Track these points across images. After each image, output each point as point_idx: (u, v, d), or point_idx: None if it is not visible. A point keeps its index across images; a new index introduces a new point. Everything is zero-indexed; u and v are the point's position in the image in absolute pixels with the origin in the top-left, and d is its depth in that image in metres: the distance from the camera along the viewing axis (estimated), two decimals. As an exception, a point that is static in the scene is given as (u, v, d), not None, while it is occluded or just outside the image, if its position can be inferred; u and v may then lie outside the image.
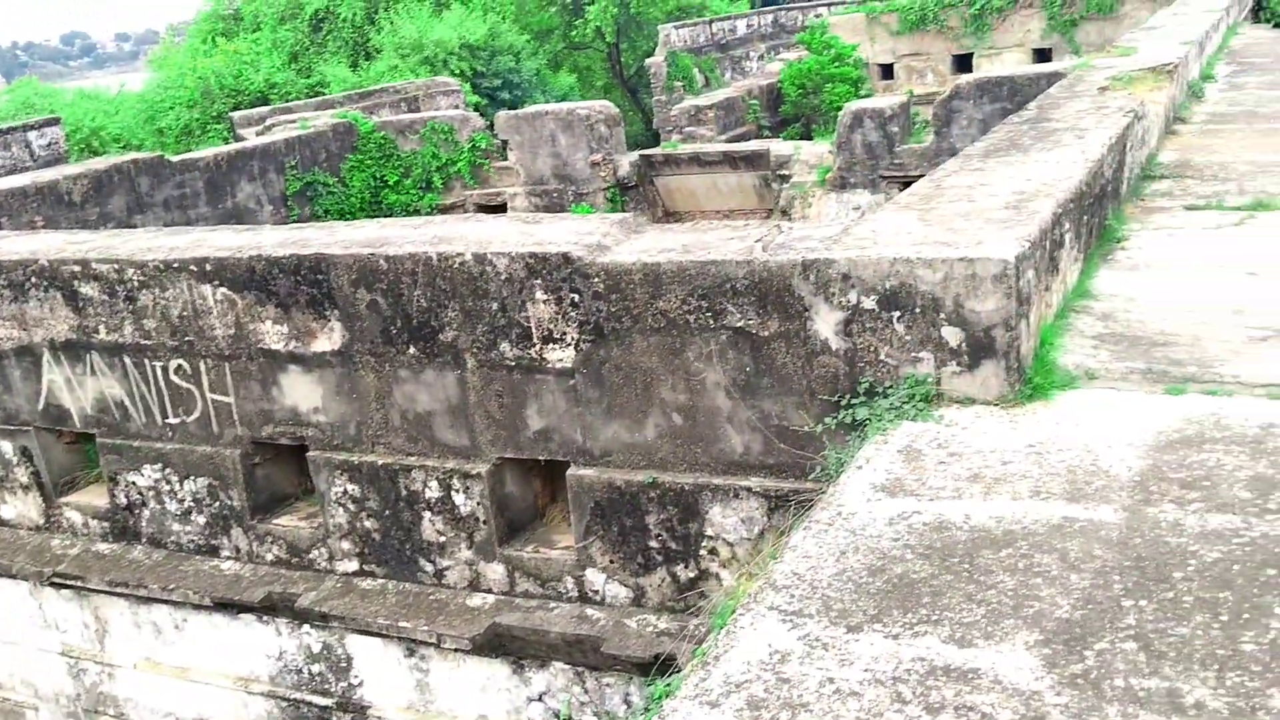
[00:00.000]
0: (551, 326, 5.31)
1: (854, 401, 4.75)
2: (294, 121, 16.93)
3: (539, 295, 5.28)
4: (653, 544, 5.40)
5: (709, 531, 5.25)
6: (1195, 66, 11.47)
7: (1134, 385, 4.51)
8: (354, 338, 5.83)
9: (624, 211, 14.86)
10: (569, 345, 5.30)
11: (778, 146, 14.93)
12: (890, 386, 4.67)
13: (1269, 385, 4.33)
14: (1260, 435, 3.93)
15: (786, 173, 14.52)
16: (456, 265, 5.44)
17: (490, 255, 5.36)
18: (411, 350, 5.71)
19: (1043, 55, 24.66)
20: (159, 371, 6.61)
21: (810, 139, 20.19)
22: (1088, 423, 4.23)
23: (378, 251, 5.67)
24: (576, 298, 5.20)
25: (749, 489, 5.11)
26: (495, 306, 5.40)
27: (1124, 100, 7.97)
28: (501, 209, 16.70)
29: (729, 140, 20.56)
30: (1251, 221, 6.48)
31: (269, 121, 17.54)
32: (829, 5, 33.99)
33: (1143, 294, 5.44)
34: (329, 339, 5.92)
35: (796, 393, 4.92)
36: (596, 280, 5.13)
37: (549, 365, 5.38)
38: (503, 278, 5.34)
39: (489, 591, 5.89)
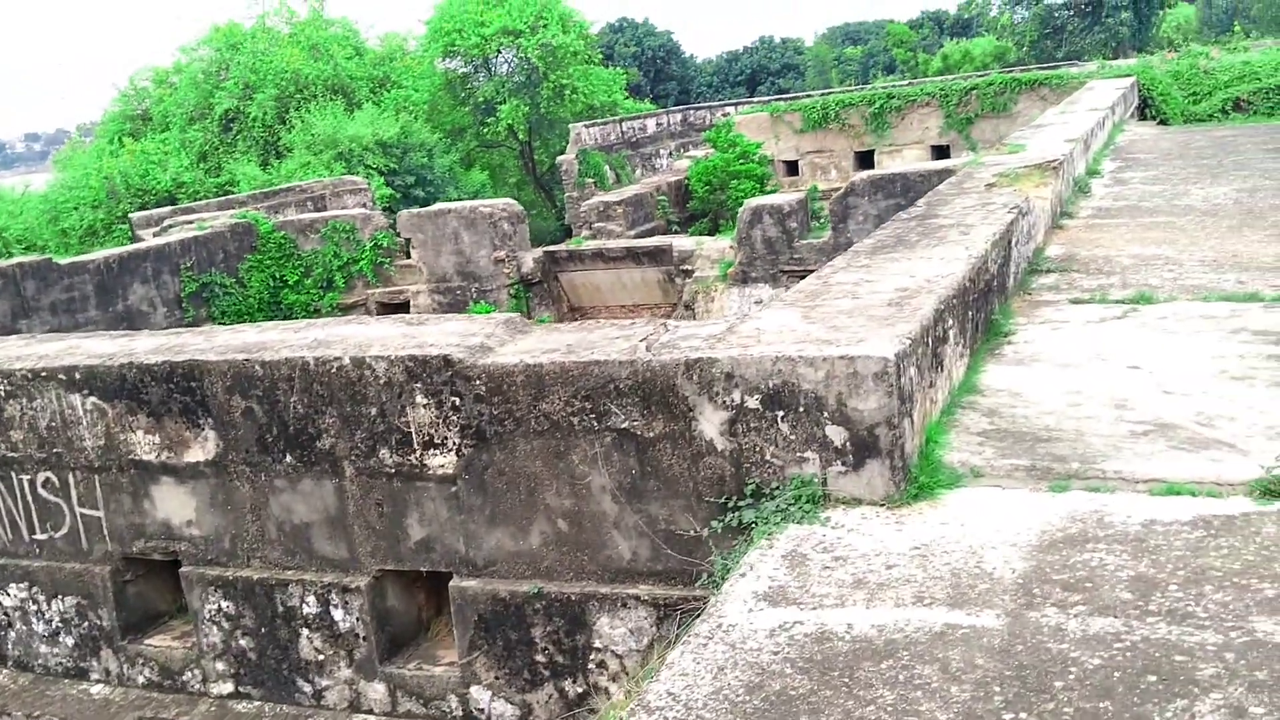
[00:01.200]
0: (432, 431, 5.14)
1: (741, 504, 4.64)
2: (192, 222, 16.66)
3: (419, 399, 5.12)
4: (539, 658, 5.18)
5: (597, 643, 5.05)
6: (1081, 163, 11.83)
7: (1019, 483, 4.47)
8: (229, 447, 5.59)
9: (528, 308, 14.79)
10: (450, 450, 5.13)
11: (680, 242, 15.04)
12: (777, 487, 4.58)
13: (1150, 480, 4.32)
14: (1142, 533, 3.89)
15: (690, 267, 14.61)
16: (334, 370, 5.26)
17: (369, 359, 5.19)
18: (288, 459, 5.49)
19: (941, 151, 25.42)
20: (25, 485, 6.28)
21: (718, 233, 20.42)
22: (973, 523, 4.16)
23: (253, 357, 5.47)
24: (458, 401, 5.05)
25: (637, 597, 4.95)
26: (374, 412, 5.22)
27: (1009, 196, 8.14)
28: (404, 307, 16.53)
29: (638, 235, 20.71)
30: (1134, 314, 6.58)
31: (167, 222, 17.24)
32: (735, 105, 34.84)
33: (1028, 389, 5.45)
34: (203, 449, 5.67)
35: (684, 495, 4.80)
36: (478, 383, 4.99)
37: (430, 472, 5.20)
38: (381, 382, 5.17)
39: (370, 712, 5.59)
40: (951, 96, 25.09)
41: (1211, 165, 12.21)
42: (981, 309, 6.20)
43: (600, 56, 36.85)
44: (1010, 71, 29.07)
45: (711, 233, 21.88)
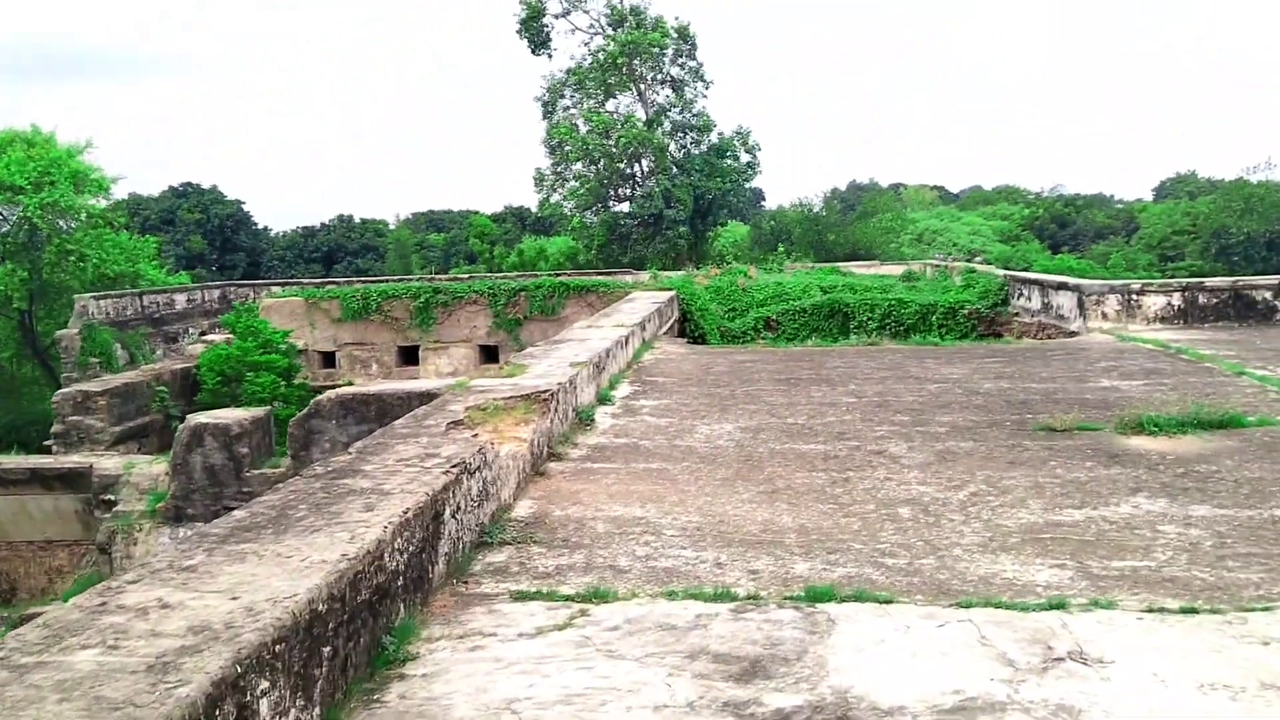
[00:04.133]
0: None
1: None
2: None
3: None
4: None
5: None
6: (591, 389, 10.73)
7: None
8: None
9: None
10: None
11: (104, 463, 12.26)
12: None
13: None
14: None
15: (113, 498, 11.87)
16: None
17: None
18: None
19: (490, 351, 24.44)
20: None
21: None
22: None
23: None
24: None
25: None
26: None
27: (464, 445, 6.57)
28: None
29: (124, 433, 17.58)
30: (582, 621, 5.05)
31: None
32: (283, 284, 32.48)
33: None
34: None
35: None
36: None
37: None
38: None
39: None
40: (500, 296, 24.29)
41: (724, 396, 11.56)
42: (362, 631, 4.38)
43: (124, 220, 33.20)
44: (560, 275, 28.97)
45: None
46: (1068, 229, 78.12)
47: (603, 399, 11.11)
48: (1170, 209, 64.59)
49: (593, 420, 9.99)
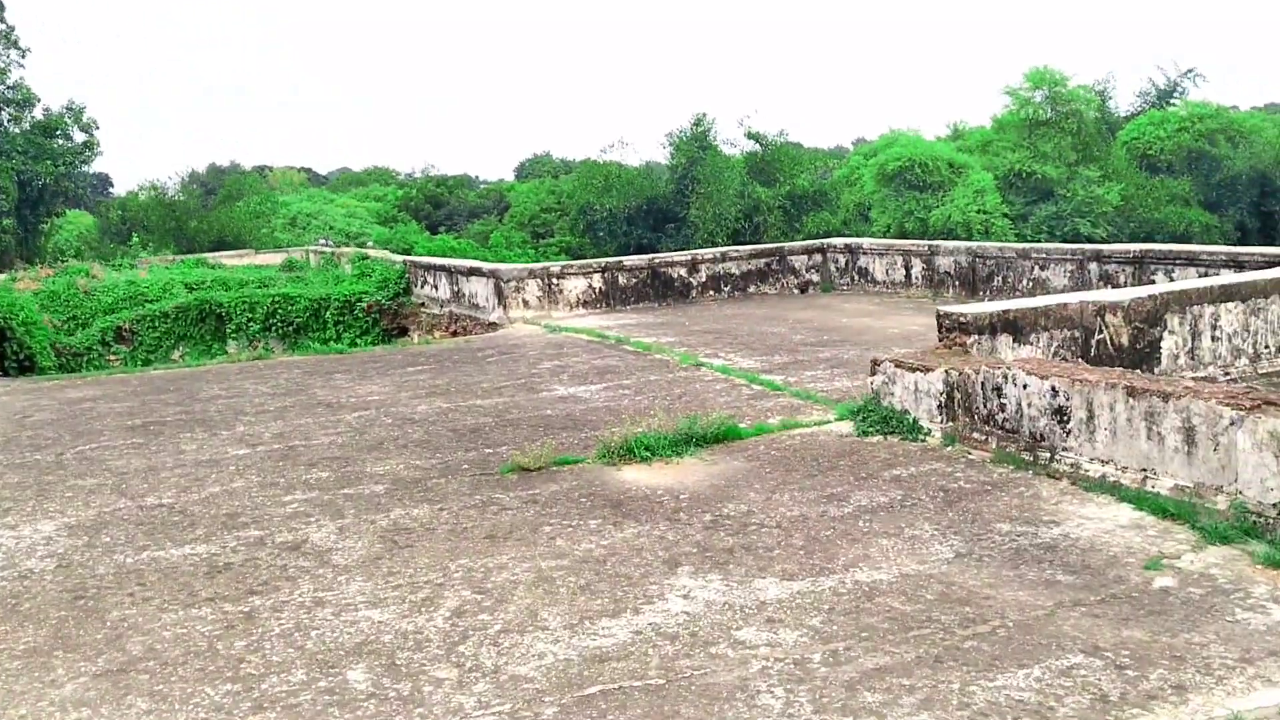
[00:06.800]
0: None
1: None
2: None
3: None
4: None
5: None
6: None
7: None
8: None
9: None
10: None
11: None
12: None
13: None
14: None
15: None
16: None
17: None
18: None
19: None
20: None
21: None
22: None
23: None
24: None
25: None
26: None
27: None
28: None
29: None
30: None
31: None
32: None
33: None
34: None
35: None
36: None
37: None
38: None
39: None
40: None
41: (46, 466, 7.88)
42: None
43: None
44: None
45: None
46: (442, 209, 78.86)
47: None
48: (536, 188, 67.21)
49: None
